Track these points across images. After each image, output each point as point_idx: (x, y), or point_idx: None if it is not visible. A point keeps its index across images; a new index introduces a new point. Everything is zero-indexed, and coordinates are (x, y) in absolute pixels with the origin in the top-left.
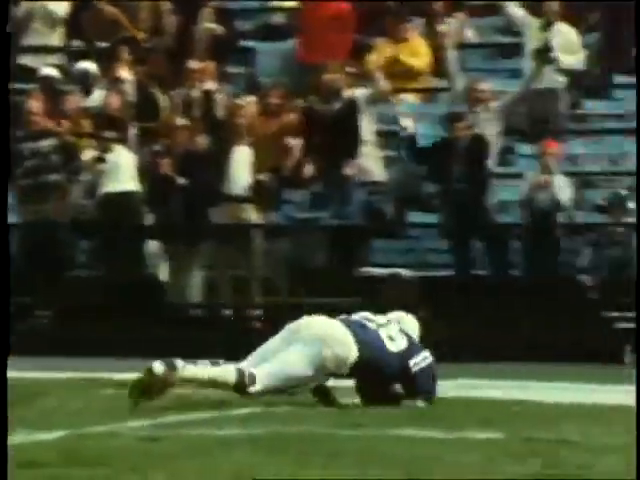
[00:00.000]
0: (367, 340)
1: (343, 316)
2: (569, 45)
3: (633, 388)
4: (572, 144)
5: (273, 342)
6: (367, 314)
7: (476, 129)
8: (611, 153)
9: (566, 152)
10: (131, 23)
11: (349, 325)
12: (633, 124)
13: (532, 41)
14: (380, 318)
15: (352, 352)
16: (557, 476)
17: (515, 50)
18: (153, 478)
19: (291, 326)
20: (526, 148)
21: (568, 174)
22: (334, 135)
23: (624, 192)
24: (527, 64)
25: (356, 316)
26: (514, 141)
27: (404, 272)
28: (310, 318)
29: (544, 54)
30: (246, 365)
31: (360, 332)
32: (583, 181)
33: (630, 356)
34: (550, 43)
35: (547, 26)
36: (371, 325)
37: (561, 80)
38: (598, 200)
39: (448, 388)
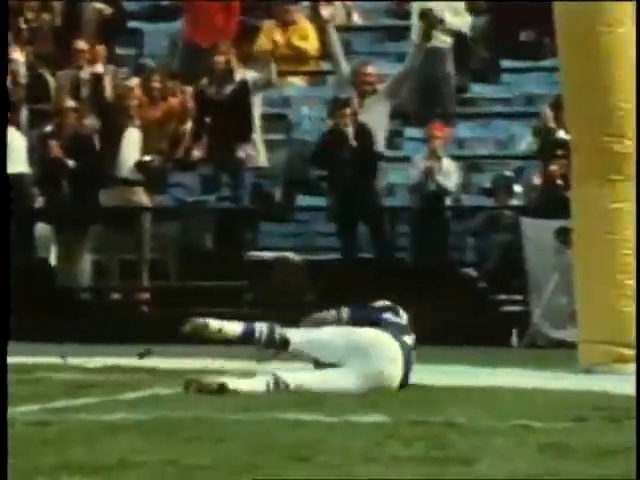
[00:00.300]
0: (409, 367)
1: (396, 333)
2: (455, 8)
3: (520, 371)
4: (459, 128)
5: (335, 338)
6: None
7: (364, 113)
8: (498, 137)
9: (453, 136)
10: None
11: (405, 354)
12: (520, 108)
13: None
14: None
15: (396, 384)
16: (443, 459)
17: (402, 33)
18: (42, 462)
19: (360, 337)
20: (414, 131)
21: (455, 158)
22: (226, 118)
23: (510, 174)
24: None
25: (405, 337)
26: (402, 124)
27: (292, 256)
28: (382, 340)
29: (429, 15)
30: (293, 346)
31: (408, 359)
32: (470, 165)
33: (517, 339)
34: (433, 6)
35: None
36: (412, 346)
37: (449, 41)
38: (485, 184)
39: None
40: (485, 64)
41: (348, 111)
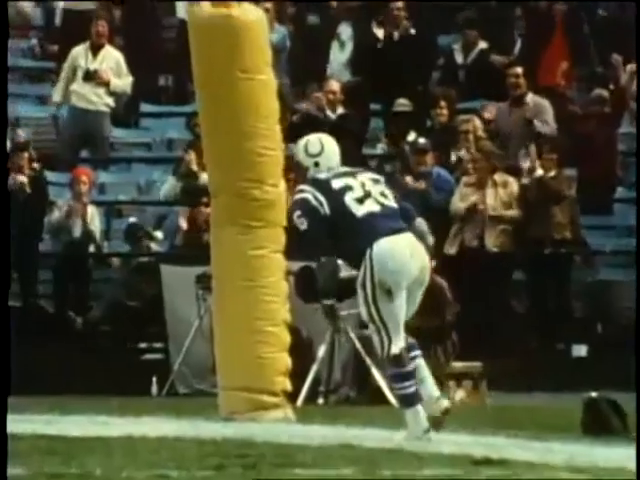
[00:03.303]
0: None
1: None
2: (118, 69)
3: (161, 420)
4: (101, 172)
5: None
6: None
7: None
8: (139, 182)
9: (96, 180)
10: None
11: None
12: (160, 153)
13: (82, 65)
14: None
15: None
16: None
17: (44, 76)
18: None
19: None
20: (58, 176)
21: (97, 203)
22: None
23: (151, 220)
24: (58, 89)
25: None
26: (44, 168)
27: None
28: None
29: (92, 76)
30: None
31: None
32: (111, 210)
33: (157, 388)
34: (98, 66)
35: (95, 49)
36: None
37: (110, 103)
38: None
39: None
40: (125, 108)
41: (26, 155)
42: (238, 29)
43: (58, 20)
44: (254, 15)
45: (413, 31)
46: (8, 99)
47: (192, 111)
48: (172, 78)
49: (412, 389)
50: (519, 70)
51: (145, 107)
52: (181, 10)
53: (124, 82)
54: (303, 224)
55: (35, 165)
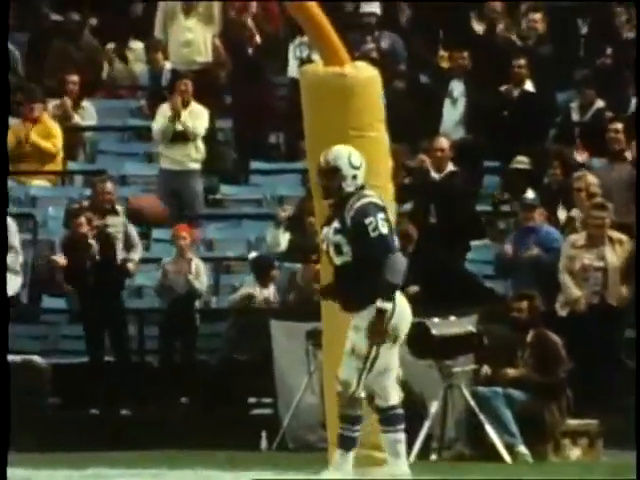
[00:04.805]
0: None
1: None
2: (199, 122)
3: (269, 475)
4: (208, 229)
5: None
6: None
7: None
8: (248, 238)
9: (202, 236)
10: None
11: None
12: (271, 210)
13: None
14: None
15: None
16: None
17: (149, 134)
18: None
19: None
20: (161, 232)
21: (205, 259)
22: None
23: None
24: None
25: None
26: (148, 226)
27: (37, 359)
28: None
29: (177, 137)
30: None
31: None
32: (220, 266)
33: (266, 442)
34: (185, 124)
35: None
36: None
37: (199, 158)
38: (235, 284)
39: (77, 478)
40: (234, 165)
41: (82, 220)
42: (351, 88)
43: (164, 80)
44: (368, 73)
45: (532, 88)
46: (117, 157)
47: (303, 168)
48: (283, 136)
49: (357, 434)
50: (619, 126)
51: (255, 164)
52: (292, 69)
53: (196, 124)
54: (384, 227)
55: (97, 222)
